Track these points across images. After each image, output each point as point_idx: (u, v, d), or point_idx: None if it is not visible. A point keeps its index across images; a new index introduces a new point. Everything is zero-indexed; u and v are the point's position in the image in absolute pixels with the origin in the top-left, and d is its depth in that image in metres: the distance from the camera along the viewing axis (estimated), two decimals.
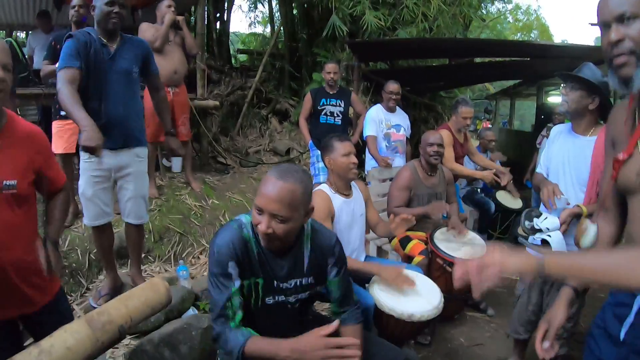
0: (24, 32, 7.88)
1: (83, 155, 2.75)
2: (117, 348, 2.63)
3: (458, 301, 3.32)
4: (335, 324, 1.61)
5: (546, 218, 2.34)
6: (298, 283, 1.77)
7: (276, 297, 1.74)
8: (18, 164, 1.62)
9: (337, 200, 2.64)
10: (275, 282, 1.72)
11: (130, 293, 1.67)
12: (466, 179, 4.80)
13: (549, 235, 2.27)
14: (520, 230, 2.53)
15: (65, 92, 2.47)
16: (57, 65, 2.66)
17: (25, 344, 1.86)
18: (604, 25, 1.28)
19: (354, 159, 2.62)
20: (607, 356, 1.42)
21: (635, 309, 1.35)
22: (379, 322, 2.56)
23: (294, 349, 1.51)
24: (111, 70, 2.71)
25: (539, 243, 2.33)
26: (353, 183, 2.80)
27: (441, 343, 3.22)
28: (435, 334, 3.24)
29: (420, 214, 3.32)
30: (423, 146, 3.55)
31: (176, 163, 3.62)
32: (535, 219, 2.38)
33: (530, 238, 2.39)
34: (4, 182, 1.57)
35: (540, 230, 2.34)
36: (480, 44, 7.17)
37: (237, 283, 1.61)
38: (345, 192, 2.70)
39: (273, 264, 1.70)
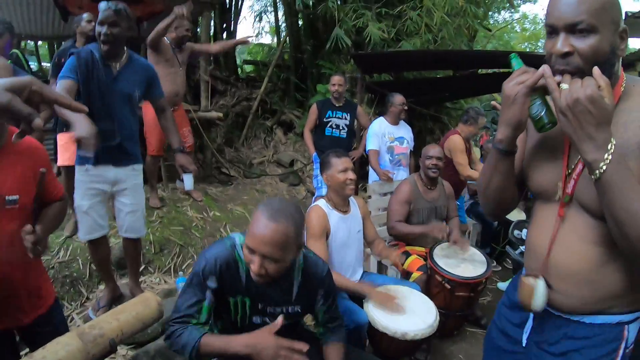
0: (33, 42, 7.99)
1: (79, 168, 2.75)
2: (114, 358, 2.64)
3: (457, 317, 3.29)
4: (279, 320, 1.62)
5: None
6: (284, 310, 1.79)
7: (262, 319, 1.77)
8: (20, 179, 1.63)
9: (334, 216, 2.65)
10: (260, 304, 1.75)
11: (122, 307, 1.69)
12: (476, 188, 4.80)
13: None
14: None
15: None
16: None
17: (21, 354, 1.87)
18: (552, 29, 1.12)
19: (350, 175, 2.61)
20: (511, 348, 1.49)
21: (532, 316, 1.40)
22: (373, 339, 2.56)
23: (246, 344, 1.56)
24: (113, 92, 2.69)
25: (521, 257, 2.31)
26: (352, 199, 2.81)
27: None
28: (430, 351, 3.18)
29: (420, 233, 3.33)
30: (422, 159, 3.56)
31: (188, 181, 3.64)
32: (524, 230, 2.35)
33: (519, 249, 2.37)
34: (7, 197, 1.58)
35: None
36: (485, 55, 7.15)
37: (210, 301, 1.66)
38: (343, 208, 2.71)
39: (261, 289, 1.71)
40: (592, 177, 1.05)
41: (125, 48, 2.76)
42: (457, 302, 3.16)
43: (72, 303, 3.24)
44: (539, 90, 1.14)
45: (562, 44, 1.09)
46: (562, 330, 1.31)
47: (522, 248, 2.31)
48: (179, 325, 1.62)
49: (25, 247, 1.56)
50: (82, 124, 2.23)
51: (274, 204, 1.59)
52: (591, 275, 1.22)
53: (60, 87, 2.53)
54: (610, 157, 1.01)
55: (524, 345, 1.42)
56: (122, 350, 2.69)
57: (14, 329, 1.78)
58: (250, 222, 1.60)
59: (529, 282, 1.30)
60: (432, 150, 3.54)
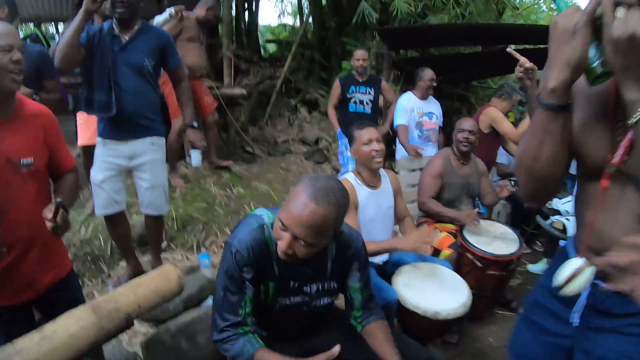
0: (53, 24, 7.99)
1: (98, 141, 2.74)
2: (135, 336, 2.59)
3: (488, 299, 3.17)
4: (336, 349, 1.48)
5: (569, 200, 2.17)
6: (320, 288, 1.66)
7: (292, 299, 1.63)
8: (33, 142, 1.66)
9: (363, 191, 2.51)
10: (292, 282, 1.61)
11: (140, 280, 1.60)
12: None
13: (567, 219, 2.10)
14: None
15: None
16: None
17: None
18: None
19: (375, 146, 2.45)
20: (560, 331, 1.31)
21: (585, 293, 1.22)
22: (402, 318, 2.43)
23: None
24: (121, 62, 2.62)
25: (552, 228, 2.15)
26: (383, 172, 2.67)
27: (469, 343, 3.07)
28: (464, 333, 3.08)
29: (451, 218, 3.20)
30: (455, 132, 3.42)
31: (195, 157, 3.55)
32: (555, 200, 2.22)
33: (550, 220, 2.23)
34: (22, 160, 1.61)
35: (559, 212, 2.19)
36: (514, 29, 6.88)
37: (251, 290, 1.53)
38: (372, 182, 2.57)
39: (293, 267, 1.57)
40: (629, 121, 0.93)
41: (139, 19, 2.71)
42: (488, 282, 3.03)
43: (93, 280, 3.21)
44: (593, 34, 0.96)
45: None
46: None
47: (553, 218, 2.16)
48: (229, 334, 1.52)
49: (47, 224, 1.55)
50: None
51: (319, 182, 1.42)
52: None
53: None
54: None
55: (575, 324, 1.27)
56: (142, 327, 2.64)
57: (31, 303, 1.75)
58: (290, 194, 1.44)
59: (579, 264, 1.16)
60: (466, 123, 3.39)
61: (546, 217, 2.28)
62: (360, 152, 2.48)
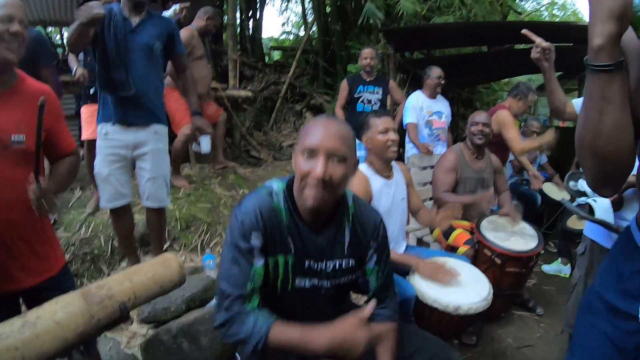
0: (57, 28, 7.97)
1: (99, 133, 2.71)
2: (134, 338, 2.44)
3: (505, 298, 3.03)
4: (372, 305, 1.32)
5: None
6: (337, 265, 1.49)
7: (308, 280, 1.46)
8: (28, 120, 1.56)
9: (377, 181, 2.39)
10: (307, 261, 1.44)
11: (137, 267, 1.45)
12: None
13: (594, 200, 1.97)
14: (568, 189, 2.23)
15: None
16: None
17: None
18: None
19: (392, 136, 2.35)
20: (618, 332, 1.10)
21: None
22: (420, 315, 2.28)
23: (331, 339, 1.21)
24: (132, 44, 2.64)
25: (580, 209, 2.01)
26: (394, 164, 2.55)
27: (487, 344, 2.95)
28: (482, 335, 2.96)
29: (468, 203, 3.05)
30: (468, 126, 3.31)
31: (205, 142, 3.45)
32: (580, 180, 2.09)
33: (576, 201, 2.09)
34: (12, 136, 1.54)
35: (585, 194, 2.05)
36: (522, 26, 6.79)
37: (260, 261, 1.35)
38: (386, 173, 2.45)
39: (308, 240, 1.42)
40: None
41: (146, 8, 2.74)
42: (507, 280, 2.91)
43: (92, 280, 3.09)
44: None
45: None
46: None
47: (579, 200, 2.02)
48: (236, 310, 1.31)
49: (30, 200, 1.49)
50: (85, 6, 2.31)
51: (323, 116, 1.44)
52: None
53: None
54: None
55: None
56: (142, 329, 2.49)
57: (18, 293, 1.64)
58: (302, 134, 1.39)
59: None
60: (479, 116, 3.28)
61: (572, 200, 2.14)
62: (375, 141, 2.36)
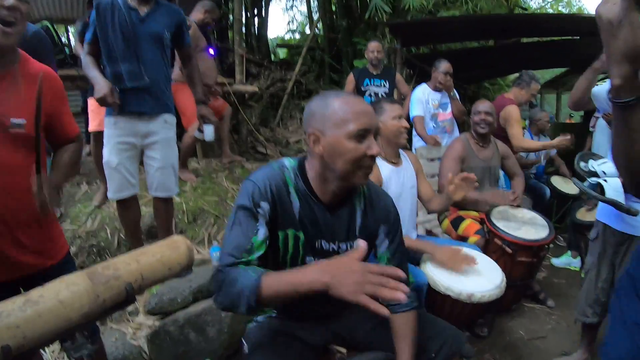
0: (63, 25, 7.98)
1: (108, 123, 2.67)
2: (140, 329, 2.41)
3: (516, 289, 3.00)
4: (362, 244, 1.18)
5: (605, 162, 2.01)
6: (348, 247, 1.45)
7: (318, 260, 1.41)
8: (29, 103, 1.49)
9: (386, 168, 2.36)
10: (318, 241, 1.41)
11: (145, 249, 1.40)
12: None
13: (605, 180, 1.92)
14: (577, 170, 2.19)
15: (84, 60, 2.65)
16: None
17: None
18: None
19: (404, 123, 2.36)
20: None
21: None
22: (432, 304, 2.25)
23: (323, 272, 1.11)
24: (142, 34, 2.61)
25: (594, 187, 1.96)
26: (403, 153, 2.54)
27: (499, 336, 2.92)
28: (494, 326, 2.93)
29: (481, 201, 3.04)
30: (472, 116, 3.30)
31: (208, 131, 3.41)
32: (591, 161, 2.05)
33: (587, 182, 2.04)
34: (12, 119, 1.48)
35: (595, 174, 2.01)
36: (529, 19, 6.74)
37: (263, 231, 1.31)
38: (394, 159, 2.43)
39: (319, 219, 1.40)
40: None
41: None
42: (518, 269, 2.88)
43: None
44: None
45: None
46: None
47: (590, 180, 1.99)
48: (228, 272, 1.25)
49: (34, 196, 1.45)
50: (99, 84, 2.45)
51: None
52: None
53: (86, 51, 2.64)
54: None
55: None
56: (148, 320, 2.46)
57: (18, 280, 1.57)
58: (329, 110, 1.33)
59: None
60: (481, 105, 3.27)
61: (582, 179, 2.10)
62: (390, 125, 2.35)
